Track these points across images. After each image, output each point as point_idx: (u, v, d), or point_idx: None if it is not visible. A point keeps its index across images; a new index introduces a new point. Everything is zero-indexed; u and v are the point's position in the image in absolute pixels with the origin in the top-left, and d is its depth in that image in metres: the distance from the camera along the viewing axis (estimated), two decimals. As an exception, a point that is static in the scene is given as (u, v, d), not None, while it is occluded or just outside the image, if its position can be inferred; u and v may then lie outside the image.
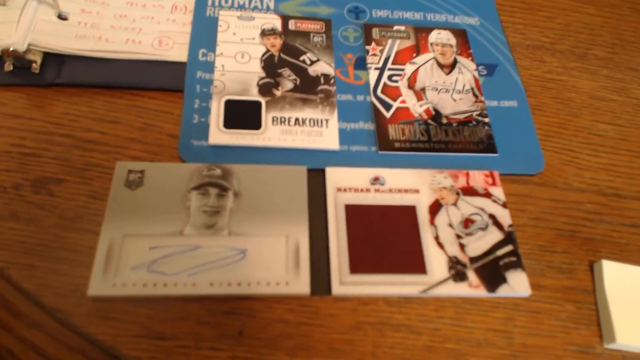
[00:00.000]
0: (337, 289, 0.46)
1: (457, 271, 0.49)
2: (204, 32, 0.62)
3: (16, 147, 0.50)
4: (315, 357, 0.43)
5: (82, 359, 0.41)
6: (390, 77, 0.63)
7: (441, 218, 0.53)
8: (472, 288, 0.48)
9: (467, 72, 0.65)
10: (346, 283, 0.47)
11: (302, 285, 0.46)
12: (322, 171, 0.54)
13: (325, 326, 0.45)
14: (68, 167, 0.50)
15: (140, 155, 0.52)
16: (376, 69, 0.63)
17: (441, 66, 0.66)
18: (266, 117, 0.56)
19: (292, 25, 0.64)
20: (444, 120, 0.61)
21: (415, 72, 0.64)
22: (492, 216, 0.53)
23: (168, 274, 0.44)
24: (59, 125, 0.52)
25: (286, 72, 0.60)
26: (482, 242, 0.51)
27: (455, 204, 0.54)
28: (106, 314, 0.42)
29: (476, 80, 0.65)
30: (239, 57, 0.60)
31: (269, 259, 0.47)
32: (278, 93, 0.58)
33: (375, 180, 0.54)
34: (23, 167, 0.49)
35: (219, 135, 0.54)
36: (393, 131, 0.59)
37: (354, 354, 0.44)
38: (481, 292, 0.48)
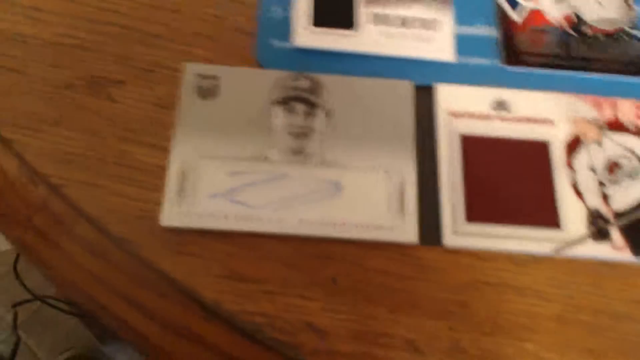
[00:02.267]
0: (449, 239, 0.39)
1: (599, 228, 0.41)
2: None
3: (67, 39, 0.42)
4: (422, 316, 0.37)
5: (155, 297, 0.36)
6: (526, -32, 0.50)
7: (581, 159, 0.43)
8: (615, 250, 0.40)
9: (627, -34, 0.51)
10: (461, 233, 0.39)
11: (408, 231, 0.39)
12: (432, 89, 0.44)
13: (434, 282, 0.38)
14: (129, 66, 0.42)
15: (208, 55, 0.43)
16: (508, -45, 0.50)
17: (593, -44, 0.51)
18: (364, 13, 0.46)
19: None
20: (588, 31, 0.49)
21: (559, -38, 0.50)
22: (646, 161, 0.43)
23: (251, 206, 0.38)
24: (115, 12, 0.43)
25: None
26: (630, 193, 0.42)
27: (598, 142, 0.44)
28: (181, 247, 0.37)
29: (637, -21, 0.51)
30: None
31: (367, 197, 0.40)
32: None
33: (499, 104, 0.44)
34: (77, 64, 0.42)
35: (306, 35, 0.44)
36: (523, 40, 0.47)
37: (469, 318, 0.37)
38: (626, 255, 0.40)
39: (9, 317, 0.96)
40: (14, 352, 0.92)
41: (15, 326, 0.93)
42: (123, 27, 0.43)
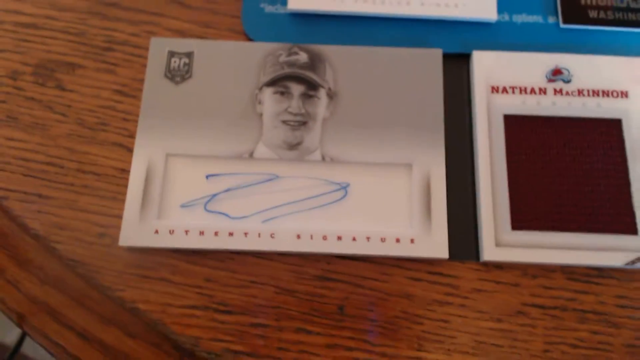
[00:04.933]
0: (490, 252, 0.31)
1: (693, 235, 0.31)
2: None
3: (10, 15, 0.36)
4: (455, 353, 0.29)
5: (117, 332, 0.30)
6: None
7: (666, 143, 0.34)
8: None
9: None
10: (504, 244, 0.31)
11: (436, 244, 0.31)
12: (467, 57, 0.35)
13: (470, 308, 0.30)
14: (83, 44, 0.35)
15: (184, 27, 0.35)
16: None
17: None
18: (377, -36, 0.37)
19: None
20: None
21: None
22: None
23: (234, 218, 0.31)
24: (64, -23, 0.36)
25: None
26: None
27: (689, 119, 0.34)
28: (147, 272, 0.31)
29: None
30: None
31: (383, 201, 0.32)
32: None
33: (556, 73, 0.35)
34: (21, 46, 0.35)
35: (303, -5, 0.36)
36: (585, -10, 0.37)
37: (515, 351, 0.30)
38: None
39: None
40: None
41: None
42: (75, -4, 0.36)
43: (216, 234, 0.30)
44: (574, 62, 0.35)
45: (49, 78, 0.34)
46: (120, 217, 0.31)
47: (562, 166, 0.33)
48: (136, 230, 0.30)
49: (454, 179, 0.33)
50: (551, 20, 0.37)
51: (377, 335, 0.30)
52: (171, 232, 0.30)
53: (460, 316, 0.31)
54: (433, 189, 0.32)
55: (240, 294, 0.30)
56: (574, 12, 0.37)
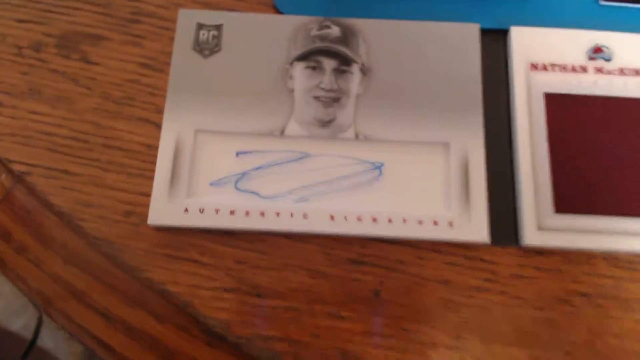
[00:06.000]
0: (531, 236, 0.29)
1: None
2: None
3: (29, -16, 0.34)
4: (497, 343, 0.28)
5: (143, 314, 0.29)
6: None
7: None
8: None
9: None
10: (547, 228, 0.29)
11: (475, 227, 0.29)
12: (504, 33, 0.33)
13: (510, 295, 0.29)
14: (108, 16, 0.33)
15: (213, 0, 0.34)
16: None
17: None
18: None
19: None
20: None
21: None
22: None
23: (266, 197, 0.29)
24: (88, -53, 0.34)
25: None
26: None
27: None
28: (176, 252, 0.29)
29: None
30: None
31: (420, 182, 0.30)
32: None
33: (597, 51, 0.33)
34: (44, 17, 0.33)
35: (335, -32, 0.34)
36: (627, -34, 0.35)
37: (557, 342, 0.28)
38: None
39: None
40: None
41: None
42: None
43: (247, 213, 0.29)
44: (614, 41, 0.33)
45: (73, 50, 0.32)
46: (147, 195, 0.29)
47: (605, 147, 0.31)
48: (165, 208, 0.29)
49: (493, 159, 0.31)
50: (592, -4, 0.35)
51: (415, 323, 0.28)
52: (201, 210, 0.29)
53: (499, 304, 0.29)
54: (471, 170, 0.30)
55: (272, 276, 0.29)
56: (616, -12, 0.35)
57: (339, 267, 0.29)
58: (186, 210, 0.29)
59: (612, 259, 0.30)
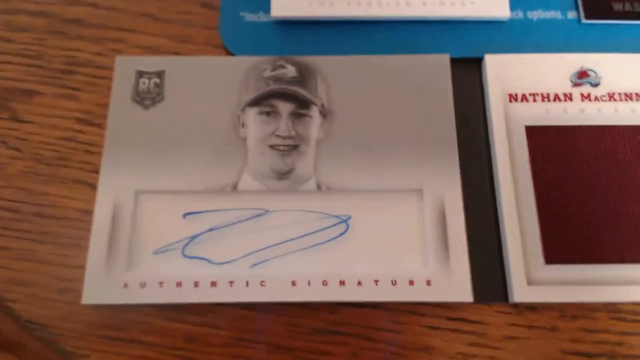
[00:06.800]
0: (521, 292, 0.26)
1: None
2: None
3: (-46, 37, 0.31)
4: (487, 423, 0.24)
5: (87, 406, 0.25)
6: None
7: None
8: None
9: None
10: (538, 281, 0.26)
11: (456, 285, 0.25)
12: (478, 62, 0.30)
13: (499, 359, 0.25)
14: (41, 68, 0.30)
15: (155, 43, 0.30)
16: None
17: None
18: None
19: None
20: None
21: None
22: None
23: (217, 263, 0.26)
24: (19, -6, 0.31)
25: None
26: None
27: None
28: (117, 333, 0.25)
29: None
30: None
31: (392, 234, 0.26)
32: None
33: (582, 76, 0.30)
34: (-33, 72, 0.30)
35: (290, 1, 0.31)
36: (608, -20, 0.32)
37: (562, 420, 0.24)
38: None
39: None
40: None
41: None
42: (29, 12, 0.31)
43: (196, 284, 0.25)
44: (601, 62, 0.30)
45: (2, 108, 0.29)
46: (83, 267, 0.25)
47: (599, 184, 0.28)
48: (101, 284, 0.25)
49: (473, 205, 0.27)
50: (571, 15, 0.32)
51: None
52: (142, 285, 0.25)
53: (489, 370, 0.25)
54: (449, 218, 0.26)
55: (227, 354, 0.25)
56: (597, 5, 0.32)
57: (305, 338, 0.25)
58: (126, 285, 0.25)
59: (613, 311, 0.26)
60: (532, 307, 0.26)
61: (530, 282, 0.26)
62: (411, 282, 0.25)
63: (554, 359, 0.25)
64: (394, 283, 0.25)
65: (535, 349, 0.25)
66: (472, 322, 0.26)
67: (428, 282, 0.25)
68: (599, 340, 0.26)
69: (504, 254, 0.27)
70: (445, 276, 0.25)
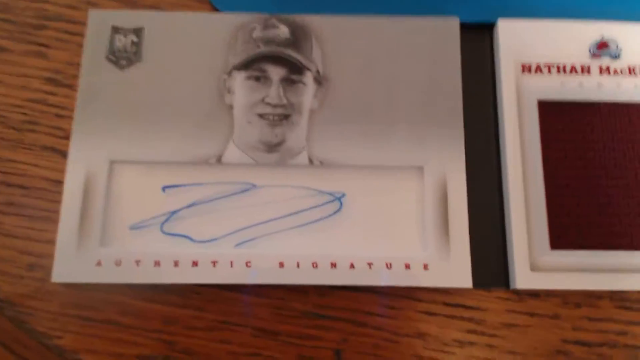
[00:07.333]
0: (524, 278, 0.24)
1: None
2: None
3: None
4: (483, 415, 0.23)
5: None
6: None
7: None
8: None
9: None
10: (542, 267, 0.24)
11: (455, 270, 0.23)
12: (490, 28, 0.27)
13: (500, 349, 0.24)
14: (8, 22, 0.27)
15: (139, -4, 0.27)
16: None
17: None
18: None
19: None
20: None
21: None
22: None
23: (198, 241, 0.24)
24: None
25: None
26: None
27: None
28: (91, 313, 0.23)
29: None
30: None
31: (388, 214, 0.24)
32: None
33: (602, 47, 0.27)
34: None
35: (284, -48, 0.27)
36: (636, -60, 0.29)
37: (560, 413, 0.23)
38: None
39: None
40: None
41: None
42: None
43: (176, 264, 0.23)
44: (622, 32, 0.27)
45: (-38, 65, 0.26)
46: (53, 242, 0.23)
47: (612, 166, 0.25)
48: (73, 261, 0.23)
49: (477, 186, 0.25)
50: (595, -22, 0.29)
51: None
52: (117, 263, 0.23)
53: (486, 359, 0.24)
54: (451, 199, 0.24)
55: (209, 338, 0.23)
56: (623, -33, 0.29)
57: (292, 322, 0.24)
58: (99, 263, 0.23)
59: (618, 299, 0.25)
60: (533, 294, 0.24)
61: (533, 268, 0.24)
62: (407, 266, 0.24)
63: (553, 348, 0.24)
64: (388, 266, 0.24)
65: (535, 337, 0.24)
66: (470, 308, 0.24)
67: (425, 266, 0.24)
68: (602, 329, 0.24)
69: (508, 238, 0.25)
70: (443, 260, 0.24)
